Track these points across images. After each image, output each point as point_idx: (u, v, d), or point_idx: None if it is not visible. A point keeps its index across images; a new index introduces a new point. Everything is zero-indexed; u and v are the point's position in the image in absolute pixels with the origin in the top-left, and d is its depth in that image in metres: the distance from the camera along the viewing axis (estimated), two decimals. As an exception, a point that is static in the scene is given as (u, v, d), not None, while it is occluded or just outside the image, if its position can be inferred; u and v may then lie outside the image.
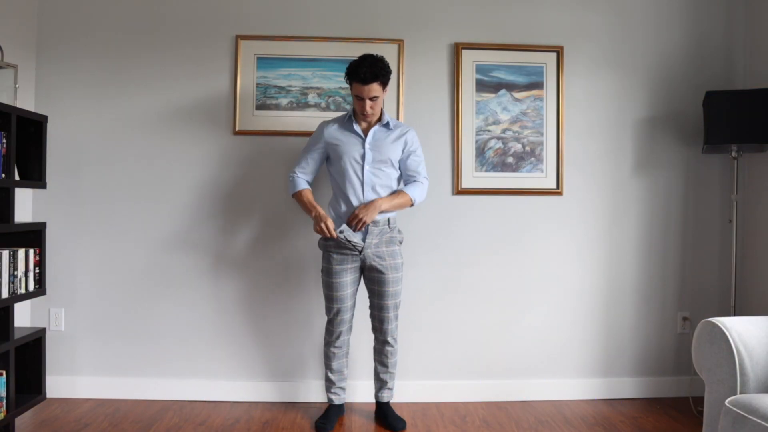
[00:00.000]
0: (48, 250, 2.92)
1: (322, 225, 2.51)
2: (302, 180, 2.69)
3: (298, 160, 2.71)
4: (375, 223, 2.57)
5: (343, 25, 3.03)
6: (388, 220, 2.62)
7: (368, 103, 2.53)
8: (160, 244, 2.99)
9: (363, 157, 2.59)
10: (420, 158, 2.70)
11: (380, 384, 2.75)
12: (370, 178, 2.59)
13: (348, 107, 3.00)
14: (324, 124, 2.69)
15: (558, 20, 3.09)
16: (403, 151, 2.67)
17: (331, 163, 2.69)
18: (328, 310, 2.67)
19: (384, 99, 2.66)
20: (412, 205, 2.67)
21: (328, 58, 3.01)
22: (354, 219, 2.52)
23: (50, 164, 2.92)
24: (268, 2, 3.03)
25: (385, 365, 2.73)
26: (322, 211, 2.55)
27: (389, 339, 2.69)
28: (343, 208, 2.61)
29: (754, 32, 3.06)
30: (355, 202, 2.58)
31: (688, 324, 3.12)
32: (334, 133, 2.64)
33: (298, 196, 2.67)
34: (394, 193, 2.63)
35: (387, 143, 2.63)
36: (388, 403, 2.76)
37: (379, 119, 2.65)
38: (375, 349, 2.75)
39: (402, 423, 2.66)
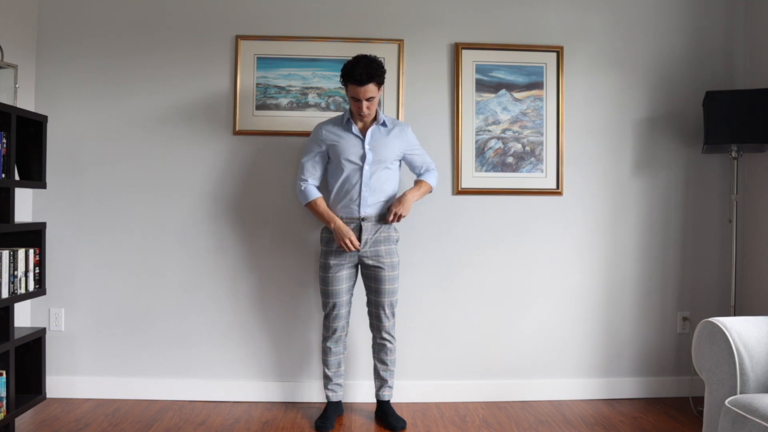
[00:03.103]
0: (48, 250, 2.92)
1: (347, 241, 2.56)
2: (313, 188, 2.68)
3: (303, 167, 2.69)
4: (368, 219, 2.62)
5: (343, 25, 3.03)
6: (373, 218, 2.65)
7: (365, 104, 2.54)
8: (160, 244, 2.99)
9: (362, 158, 2.61)
10: (422, 151, 2.79)
11: (380, 382, 2.76)
12: (369, 178, 2.61)
13: (348, 107, 2.99)
14: (320, 126, 2.70)
15: (558, 20, 3.09)
16: (402, 149, 2.69)
17: (329, 162, 2.71)
18: (324, 305, 2.70)
19: (382, 98, 2.67)
20: (431, 191, 2.79)
21: (328, 58, 3.01)
22: (391, 215, 2.61)
23: (50, 164, 2.92)
24: (268, 2, 3.03)
25: (384, 363, 2.73)
26: (342, 224, 2.59)
27: (387, 336, 2.70)
28: (340, 207, 2.64)
29: (754, 32, 3.06)
30: (352, 202, 2.61)
31: (688, 324, 3.12)
32: (332, 134, 2.66)
33: (312, 205, 2.67)
34: (416, 183, 2.74)
35: (385, 142, 2.64)
36: (388, 401, 2.76)
37: (375, 118, 2.66)
38: (374, 347, 2.76)
39: (402, 423, 2.66)
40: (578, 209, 3.10)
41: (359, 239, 2.60)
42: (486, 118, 3.07)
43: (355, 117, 2.65)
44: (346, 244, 2.56)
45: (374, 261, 2.63)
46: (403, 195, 2.64)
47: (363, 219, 2.61)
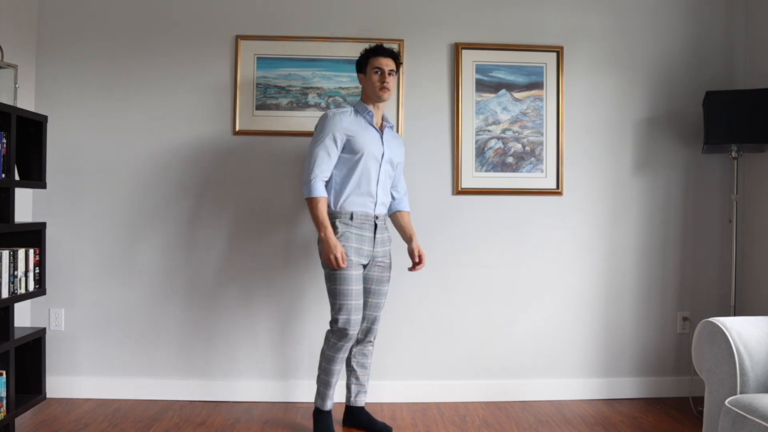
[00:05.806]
0: (48, 250, 2.91)
1: (337, 255, 2.33)
2: (322, 184, 2.43)
3: (316, 158, 2.41)
4: (380, 217, 2.53)
5: (343, 25, 3.03)
6: (383, 218, 2.60)
7: (387, 75, 2.48)
8: (159, 244, 2.99)
9: (382, 155, 2.51)
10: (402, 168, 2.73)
11: (359, 388, 2.63)
12: (384, 175, 2.54)
13: (350, 105, 2.99)
14: (336, 114, 2.47)
15: (558, 20, 3.09)
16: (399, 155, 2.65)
17: (343, 152, 2.48)
18: (334, 307, 2.42)
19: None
20: None
21: (328, 58, 3.01)
22: (417, 258, 2.62)
23: (50, 164, 2.92)
24: (268, 2, 3.03)
25: (365, 367, 2.62)
26: (333, 237, 2.36)
27: (373, 339, 2.63)
28: (357, 204, 2.46)
29: (754, 32, 3.06)
30: (370, 199, 2.48)
31: (688, 324, 3.12)
32: (351, 125, 2.47)
33: (313, 202, 2.40)
34: (402, 216, 2.70)
35: (394, 144, 2.61)
36: (363, 407, 2.64)
37: (383, 120, 2.60)
38: (356, 352, 2.59)
39: (388, 426, 2.57)
40: (578, 209, 3.10)
41: (374, 239, 2.49)
42: (486, 118, 3.07)
43: (372, 98, 2.52)
44: (335, 260, 2.33)
45: (382, 261, 2.55)
46: (415, 240, 2.65)
47: (377, 217, 2.51)
